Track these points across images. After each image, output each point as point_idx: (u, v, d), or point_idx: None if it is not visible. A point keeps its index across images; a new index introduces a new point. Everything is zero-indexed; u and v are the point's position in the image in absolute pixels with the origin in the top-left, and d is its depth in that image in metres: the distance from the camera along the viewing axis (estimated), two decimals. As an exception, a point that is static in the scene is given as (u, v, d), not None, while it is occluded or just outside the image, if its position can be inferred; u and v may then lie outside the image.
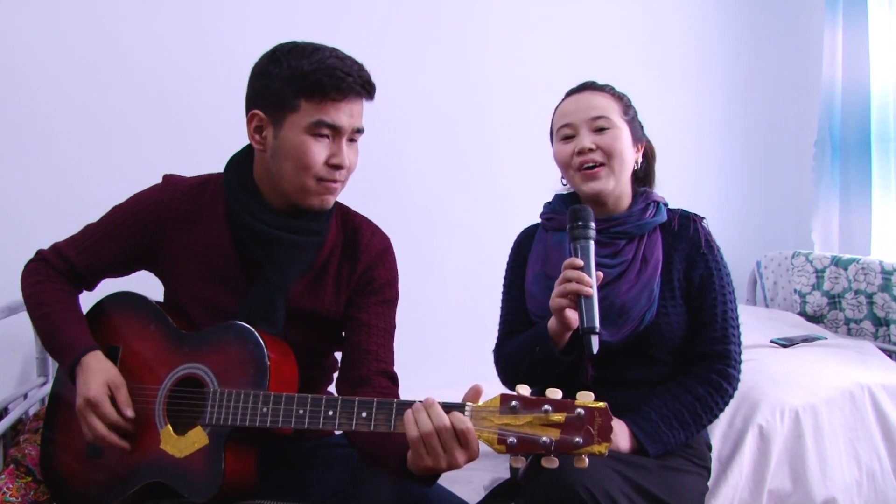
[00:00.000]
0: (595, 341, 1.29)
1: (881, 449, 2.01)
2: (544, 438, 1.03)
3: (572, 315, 1.33)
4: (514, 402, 1.05)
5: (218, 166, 1.44)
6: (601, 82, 1.59)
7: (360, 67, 1.29)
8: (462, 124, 2.64)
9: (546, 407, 1.04)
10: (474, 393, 1.10)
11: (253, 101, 1.31)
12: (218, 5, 2.28)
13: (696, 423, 1.46)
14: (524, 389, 1.07)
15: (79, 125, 2.11)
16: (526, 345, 1.46)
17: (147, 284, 1.46)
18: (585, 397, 1.05)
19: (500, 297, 1.67)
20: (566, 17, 2.78)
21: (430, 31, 2.58)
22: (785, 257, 2.76)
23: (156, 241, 1.38)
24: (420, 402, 1.11)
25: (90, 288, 1.47)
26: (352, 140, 1.32)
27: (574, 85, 1.61)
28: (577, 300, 1.31)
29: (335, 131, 1.27)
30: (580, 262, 1.33)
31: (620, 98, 1.57)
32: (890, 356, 2.36)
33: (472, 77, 2.65)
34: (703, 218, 1.59)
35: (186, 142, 2.22)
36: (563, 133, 1.54)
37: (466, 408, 1.08)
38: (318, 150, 1.27)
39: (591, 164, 1.50)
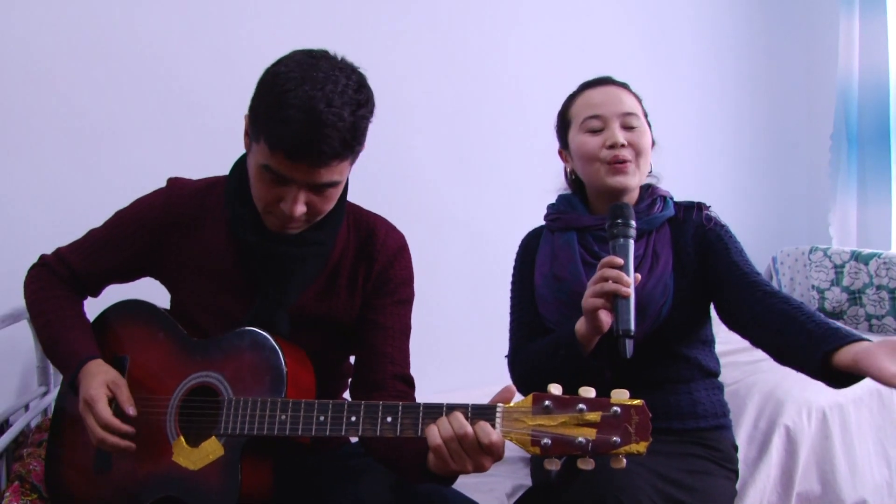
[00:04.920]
0: (630, 345, 1.22)
1: (911, 448, 1.97)
2: (580, 439, 0.98)
3: (606, 317, 1.25)
4: (546, 402, 1.00)
5: (220, 169, 1.38)
6: (619, 79, 1.56)
7: (332, 130, 1.09)
8: (469, 122, 2.60)
9: (581, 406, 0.99)
10: (507, 393, 1.05)
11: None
12: (216, 6, 2.23)
13: None
14: (556, 389, 1.02)
15: (79, 128, 2.06)
16: (549, 349, 1.40)
17: (154, 292, 1.41)
18: (621, 395, 1.01)
19: (507, 298, 1.62)
20: (573, 8, 2.73)
21: (435, 28, 2.53)
22: (802, 252, 2.72)
23: (160, 247, 1.32)
24: (446, 404, 1.06)
25: (95, 294, 1.41)
26: (317, 190, 1.17)
27: (591, 77, 1.57)
28: (614, 301, 1.24)
29: (285, 180, 1.14)
30: (620, 261, 1.26)
31: (636, 96, 1.55)
32: (914, 352, 2.32)
33: (479, 74, 2.60)
34: (708, 206, 1.56)
35: (187, 144, 2.16)
36: (590, 125, 1.49)
37: (497, 409, 1.03)
38: (268, 191, 1.16)
39: (621, 160, 1.46)
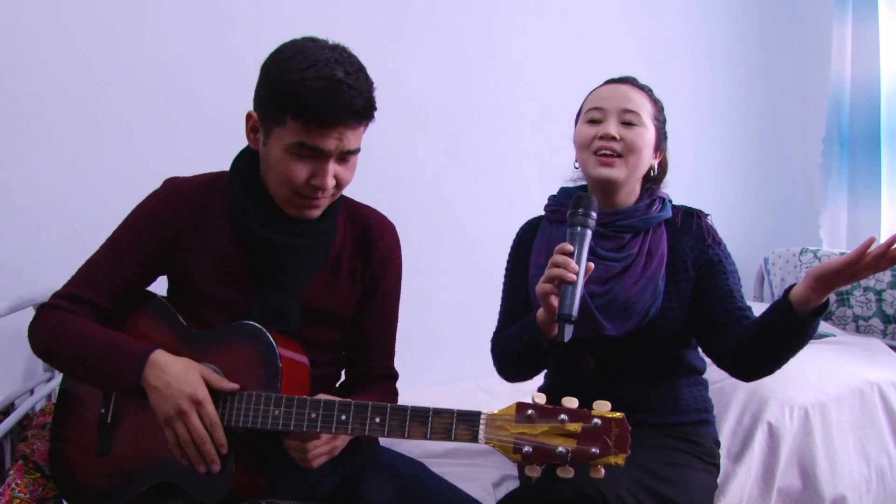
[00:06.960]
0: (568, 330, 1.23)
1: (891, 446, 2.01)
2: (560, 448, 1.02)
3: (556, 302, 1.26)
4: (529, 411, 1.04)
5: (218, 165, 1.42)
6: (642, 81, 1.59)
7: (357, 92, 1.20)
8: (466, 120, 2.63)
9: (562, 416, 1.03)
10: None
11: (254, 100, 1.28)
12: (222, 4, 2.26)
13: None
14: (540, 398, 1.06)
15: (79, 122, 2.09)
16: (516, 334, 1.45)
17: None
18: (602, 407, 1.04)
19: (501, 293, 1.66)
20: (569, 9, 2.76)
21: (433, 24, 2.56)
22: (793, 254, 2.75)
23: (172, 245, 1.35)
24: (433, 409, 1.10)
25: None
26: (343, 159, 1.26)
27: (614, 76, 1.61)
28: (560, 286, 1.26)
29: (318, 153, 1.22)
30: (570, 248, 1.29)
31: (655, 102, 1.58)
32: (898, 353, 2.35)
33: (476, 70, 2.63)
34: (707, 214, 1.60)
35: (187, 140, 2.19)
36: (591, 115, 1.53)
37: (482, 417, 1.07)
38: (299, 169, 1.23)
39: (608, 153, 1.49)
